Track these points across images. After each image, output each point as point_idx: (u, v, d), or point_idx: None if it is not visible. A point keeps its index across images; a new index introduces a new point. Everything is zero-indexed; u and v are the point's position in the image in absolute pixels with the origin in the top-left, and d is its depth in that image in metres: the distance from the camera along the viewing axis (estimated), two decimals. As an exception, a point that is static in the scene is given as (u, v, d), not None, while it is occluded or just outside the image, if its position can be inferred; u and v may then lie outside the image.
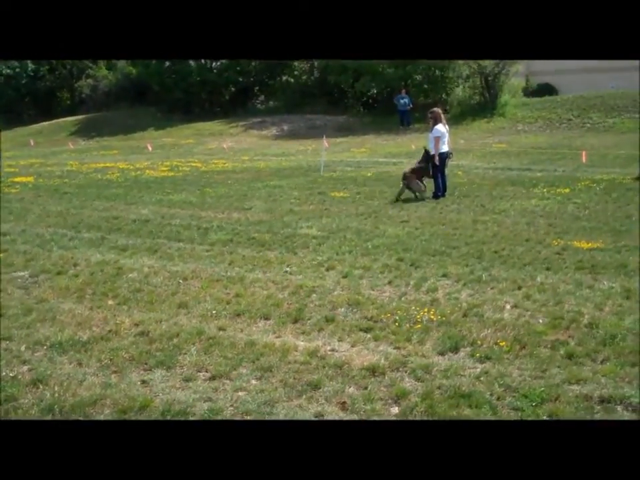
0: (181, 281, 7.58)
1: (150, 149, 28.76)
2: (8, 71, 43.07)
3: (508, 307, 6.50)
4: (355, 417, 4.42)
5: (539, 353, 5.33)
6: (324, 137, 23.26)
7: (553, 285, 7.13)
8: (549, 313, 6.25)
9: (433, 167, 13.37)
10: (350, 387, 4.83)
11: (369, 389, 4.79)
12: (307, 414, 4.45)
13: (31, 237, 10.20)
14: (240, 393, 4.78)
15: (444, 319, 6.14)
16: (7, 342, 5.83)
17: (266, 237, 9.83)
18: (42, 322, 6.31)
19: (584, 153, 19.05)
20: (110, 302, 6.90)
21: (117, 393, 4.78)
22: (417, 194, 13.29)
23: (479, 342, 5.58)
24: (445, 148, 13.53)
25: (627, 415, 4.36)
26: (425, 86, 34.19)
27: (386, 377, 4.99)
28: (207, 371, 5.17)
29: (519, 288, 7.05)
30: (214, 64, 40.08)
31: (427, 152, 13.54)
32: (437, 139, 13.35)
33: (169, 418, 4.41)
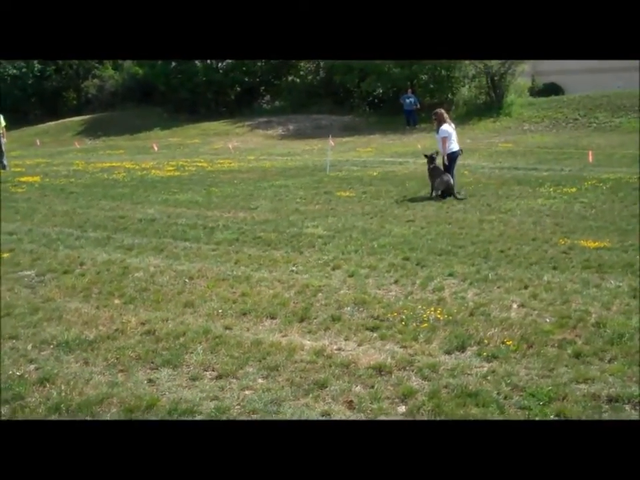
0: (187, 280, 7.58)
1: (156, 148, 28.79)
2: (14, 71, 43.15)
3: (515, 306, 6.48)
4: (361, 416, 4.41)
5: (546, 352, 5.31)
6: (330, 137, 23.26)
7: (560, 284, 7.11)
8: (555, 312, 6.23)
9: (442, 167, 13.38)
10: (356, 386, 4.83)
11: (375, 387, 4.78)
12: (314, 413, 4.45)
13: (38, 237, 10.22)
14: (246, 392, 4.78)
15: (450, 318, 6.12)
16: (14, 341, 5.84)
17: (272, 237, 9.83)
18: (48, 321, 6.31)
19: (590, 152, 19.00)
20: (116, 301, 6.90)
21: (124, 391, 4.78)
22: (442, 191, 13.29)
23: (485, 341, 5.57)
24: (455, 147, 13.52)
25: (635, 414, 4.34)
26: (431, 86, 34.17)
27: (392, 376, 4.98)
28: (213, 370, 5.17)
29: (526, 287, 7.03)
30: (220, 64, 40.13)
31: (429, 156, 13.50)
32: (444, 139, 13.36)
33: (175, 417, 4.41)
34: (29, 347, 5.69)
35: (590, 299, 6.60)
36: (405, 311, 6.34)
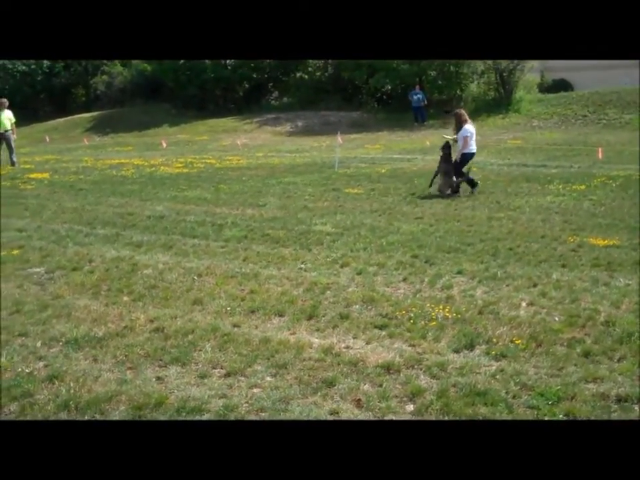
0: (195, 278, 7.59)
1: (164, 145, 28.83)
2: (23, 67, 43.27)
3: (523, 304, 6.47)
4: (369, 415, 4.41)
5: (555, 351, 5.30)
6: (338, 133, 23.22)
7: (569, 282, 7.08)
8: (564, 311, 6.21)
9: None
10: (365, 384, 4.82)
11: (383, 386, 4.78)
12: (322, 411, 4.45)
13: (47, 234, 10.26)
14: (255, 390, 4.79)
15: (459, 316, 6.11)
16: (23, 338, 5.87)
17: (280, 234, 9.83)
18: (57, 318, 6.34)
19: (600, 149, 18.92)
20: (125, 298, 6.92)
21: (132, 389, 4.80)
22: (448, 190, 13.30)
23: (494, 339, 5.56)
24: (473, 147, 13.51)
25: (644, 414, 4.33)
26: (440, 82, 34.06)
27: (401, 375, 4.97)
28: (221, 368, 5.18)
29: (535, 285, 7.01)
30: (228, 61, 40.11)
31: (446, 154, 13.45)
32: (466, 138, 13.31)
33: (184, 414, 4.42)
34: (38, 344, 5.71)
35: (599, 297, 6.57)
36: (414, 309, 6.33)
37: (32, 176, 18.13)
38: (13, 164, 20.81)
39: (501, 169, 17.41)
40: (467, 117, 13.70)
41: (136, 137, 34.58)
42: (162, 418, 4.39)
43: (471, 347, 5.46)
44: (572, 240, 8.99)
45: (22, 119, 27.62)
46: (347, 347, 5.54)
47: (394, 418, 4.37)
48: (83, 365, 5.29)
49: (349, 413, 4.43)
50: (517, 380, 4.79)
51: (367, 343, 5.62)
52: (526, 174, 16.14)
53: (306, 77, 40.27)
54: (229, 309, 6.49)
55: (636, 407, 4.39)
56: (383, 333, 5.83)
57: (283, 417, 4.39)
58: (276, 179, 16.47)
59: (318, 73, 40.44)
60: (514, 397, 4.56)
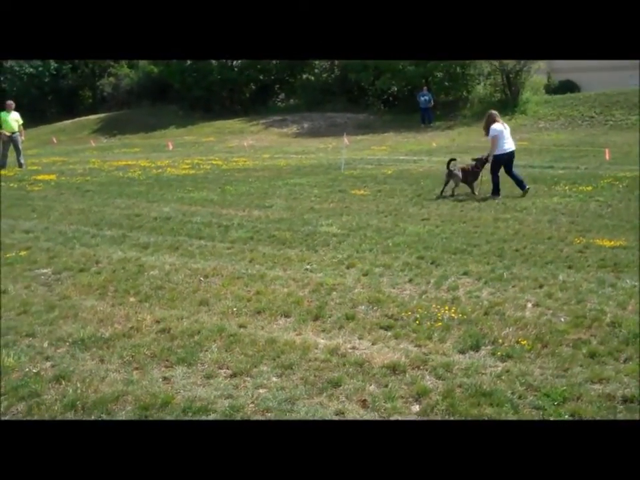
0: (202, 279, 7.61)
1: (171, 147, 28.88)
2: (31, 69, 43.47)
3: (529, 305, 6.46)
4: (375, 415, 4.41)
5: (561, 352, 5.30)
6: (344, 135, 23.24)
7: (575, 283, 7.08)
8: (570, 312, 6.20)
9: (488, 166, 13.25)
10: (370, 385, 4.83)
11: (389, 387, 4.78)
12: (328, 412, 4.45)
13: (54, 235, 10.29)
14: (260, 390, 4.80)
15: (465, 317, 6.11)
16: (30, 338, 5.89)
17: (286, 235, 9.85)
18: (64, 319, 6.36)
19: (607, 150, 18.87)
20: (131, 299, 6.94)
21: (139, 389, 4.81)
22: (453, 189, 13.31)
23: (500, 340, 5.56)
24: (508, 147, 13.17)
25: (650, 415, 4.32)
26: (446, 83, 34.06)
27: (407, 375, 4.98)
28: (227, 368, 5.19)
29: (541, 286, 7.01)
30: (234, 62, 40.17)
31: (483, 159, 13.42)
32: (494, 139, 13.00)
33: (190, 415, 4.43)
34: (45, 345, 5.74)
35: (605, 298, 6.56)
36: (419, 309, 6.34)
37: (39, 177, 18.19)
38: (20, 165, 20.89)
39: (508, 170, 17.35)
40: (495, 117, 13.19)
41: (143, 139, 34.67)
42: (168, 418, 4.41)
43: (476, 347, 5.46)
44: (578, 241, 8.98)
45: (29, 120, 27.76)
46: (353, 348, 5.55)
47: (400, 418, 4.38)
48: (90, 365, 5.31)
49: (355, 413, 4.44)
50: (523, 380, 4.79)
51: (373, 344, 5.62)
52: (532, 175, 16.09)
53: (312, 78, 40.32)
54: (235, 309, 6.50)
55: (642, 408, 4.39)
56: (389, 333, 5.83)
57: (288, 417, 4.40)
58: (282, 180, 16.48)
59: (324, 75, 40.49)
60: (520, 398, 4.56)
